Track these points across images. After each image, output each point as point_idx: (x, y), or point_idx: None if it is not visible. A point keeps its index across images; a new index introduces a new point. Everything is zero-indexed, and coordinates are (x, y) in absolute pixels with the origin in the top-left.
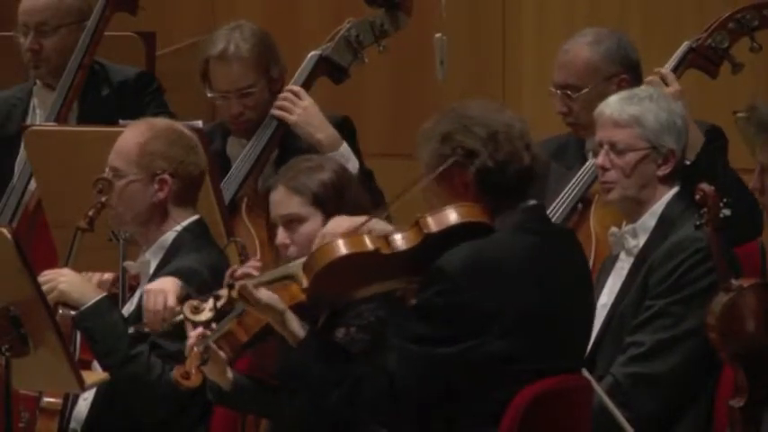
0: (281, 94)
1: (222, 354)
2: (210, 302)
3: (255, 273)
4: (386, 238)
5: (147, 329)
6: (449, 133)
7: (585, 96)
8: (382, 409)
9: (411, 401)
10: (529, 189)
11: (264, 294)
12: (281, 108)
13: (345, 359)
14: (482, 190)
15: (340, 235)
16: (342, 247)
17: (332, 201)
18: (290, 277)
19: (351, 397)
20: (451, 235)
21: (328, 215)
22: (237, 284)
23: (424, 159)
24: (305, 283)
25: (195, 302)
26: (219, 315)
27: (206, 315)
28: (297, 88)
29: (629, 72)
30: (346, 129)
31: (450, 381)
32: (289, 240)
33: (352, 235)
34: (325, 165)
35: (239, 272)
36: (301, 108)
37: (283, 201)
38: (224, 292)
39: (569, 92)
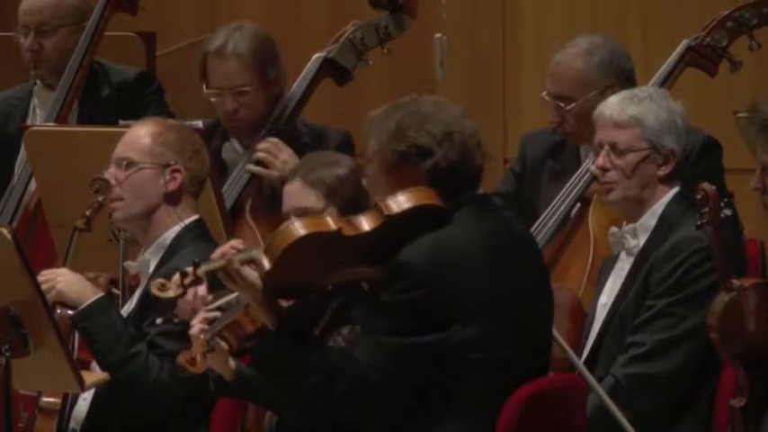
0: (261, 146)
1: (224, 344)
2: (177, 278)
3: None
4: (347, 220)
5: (176, 320)
6: (402, 129)
7: (578, 108)
8: (353, 404)
9: (387, 397)
10: (479, 182)
11: (248, 272)
12: (261, 162)
13: (318, 348)
14: (433, 184)
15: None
16: (303, 228)
17: (346, 197)
18: (251, 261)
19: (321, 388)
20: (410, 220)
21: (342, 210)
22: (225, 259)
23: (374, 152)
24: (267, 265)
25: (162, 280)
26: (184, 293)
27: (174, 291)
28: (275, 140)
29: (621, 83)
30: (347, 145)
31: (426, 372)
32: None
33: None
34: (342, 161)
35: (221, 249)
36: (281, 162)
37: (299, 194)
38: (189, 269)
39: (562, 103)
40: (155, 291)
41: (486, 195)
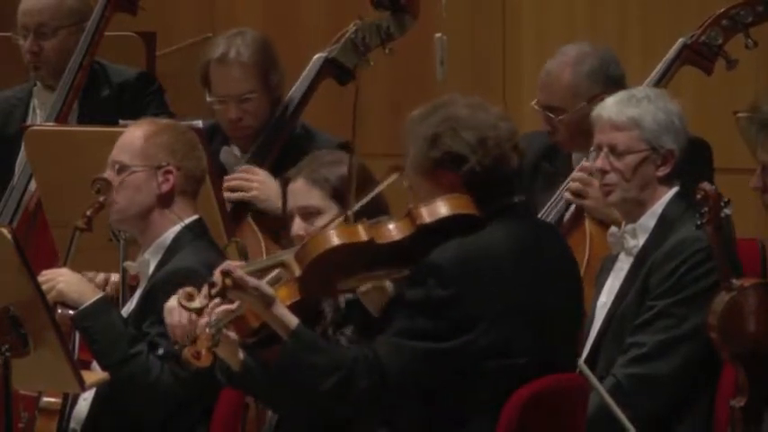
0: (234, 175)
1: (233, 334)
2: (205, 290)
3: None
4: (378, 228)
5: (177, 346)
6: (437, 136)
7: (568, 119)
8: (373, 403)
9: (407, 396)
10: (515, 185)
11: (253, 279)
12: (235, 189)
13: (338, 348)
14: (469, 190)
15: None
16: (336, 237)
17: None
18: (282, 265)
19: (342, 388)
20: (443, 226)
21: (346, 209)
22: (229, 270)
23: (412, 156)
24: (297, 271)
25: (189, 289)
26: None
27: (200, 302)
28: (247, 167)
29: (611, 90)
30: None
31: (446, 375)
32: (304, 232)
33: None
34: (346, 160)
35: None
36: (257, 182)
37: (303, 192)
38: (218, 278)
39: (552, 114)
40: (182, 300)
41: (521, 202)
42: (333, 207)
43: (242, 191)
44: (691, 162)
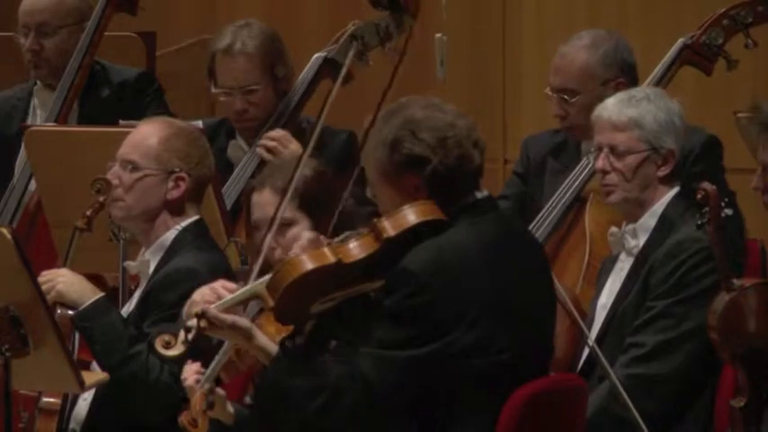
0: (268, 135)
1: (221, 391)
2: (182, 335)
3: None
4: (344, 248)
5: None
6: (396, 140)
7: (582, 101)
8: (361, 418)
9: (391, 408)
10: (479, 181)
11: (228, 316)
12: (269, 150)
13: (320, 368)
14: (433, 191)
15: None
16: (305, 263)
17: (315, 197)
18: (255, 297)
19: (329, 407)
20: (409, 234)
21: (315, 217)
22: (204, 311)
23: (373, 162)
24: (270, 302)
25: (166, 337)
26: (192, 348)
27: (179, 349)
28: (283, 133)
29: (625, 75)
30: (351, 144)
31: (430, 381)
32: (276, 244)
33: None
34: (308, 164)
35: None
36: (290, 152)
37: (270, 203)
38: (193, 322)
39: (566, 96)
40: (158, 348)
41: (488, 197)
42: (302, 216)
43: (274, 154)
44: (700, 160)
